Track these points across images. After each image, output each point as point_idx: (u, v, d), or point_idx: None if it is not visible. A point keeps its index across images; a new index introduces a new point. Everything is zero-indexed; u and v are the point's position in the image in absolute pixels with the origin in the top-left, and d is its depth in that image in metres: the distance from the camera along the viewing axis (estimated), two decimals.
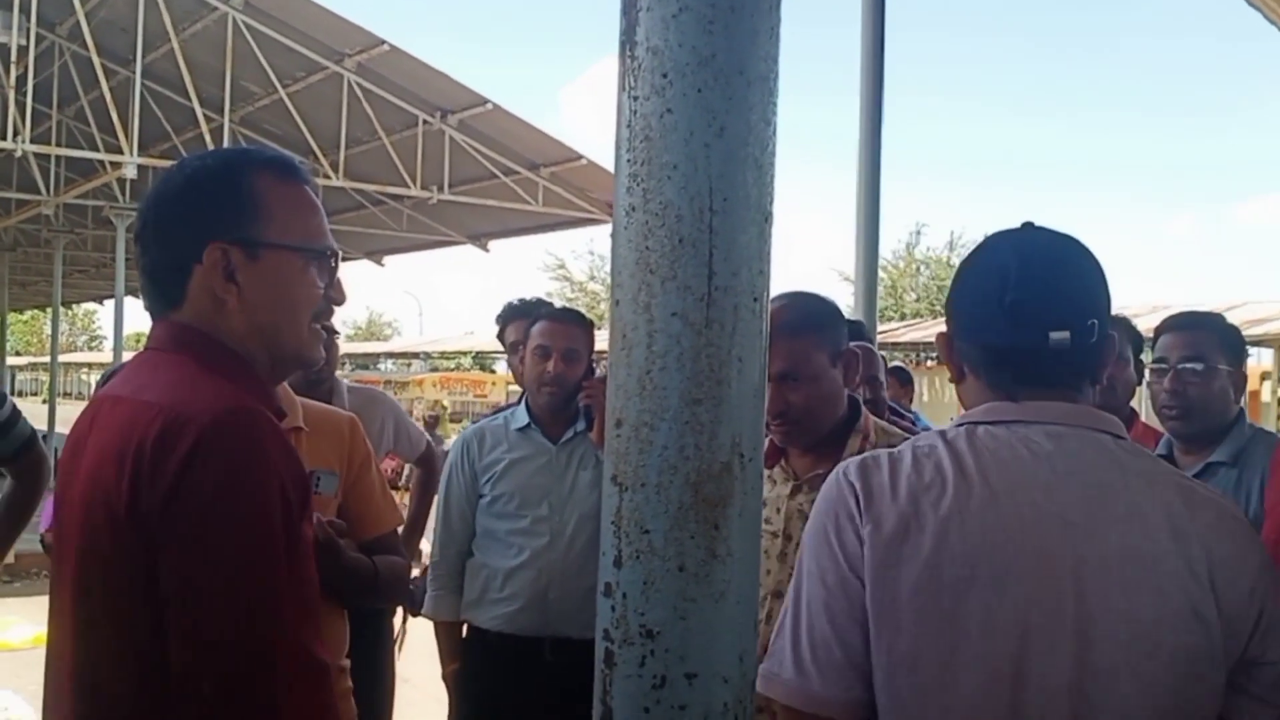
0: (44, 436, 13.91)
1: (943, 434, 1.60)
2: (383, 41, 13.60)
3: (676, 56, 1.22)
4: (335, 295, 1.65)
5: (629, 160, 1.26)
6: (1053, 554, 1.46)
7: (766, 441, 2.32)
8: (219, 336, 1.54)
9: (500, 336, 4.36)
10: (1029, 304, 1.54)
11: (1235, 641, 1.47)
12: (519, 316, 4.08)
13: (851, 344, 2.41)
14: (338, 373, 4.36)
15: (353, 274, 22.65)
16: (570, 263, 44.64)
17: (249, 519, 1.38)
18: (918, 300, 36.25)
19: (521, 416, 3.45)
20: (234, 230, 1.54)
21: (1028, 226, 1.66)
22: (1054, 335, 1.53)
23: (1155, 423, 3.41)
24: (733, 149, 1.22)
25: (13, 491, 3.27)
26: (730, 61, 1.22)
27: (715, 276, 1.22)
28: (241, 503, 1.38)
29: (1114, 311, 3.61)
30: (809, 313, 2.31)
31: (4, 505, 3.26)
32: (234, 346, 1.55)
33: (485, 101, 14.45)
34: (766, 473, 2.32)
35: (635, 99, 1.25)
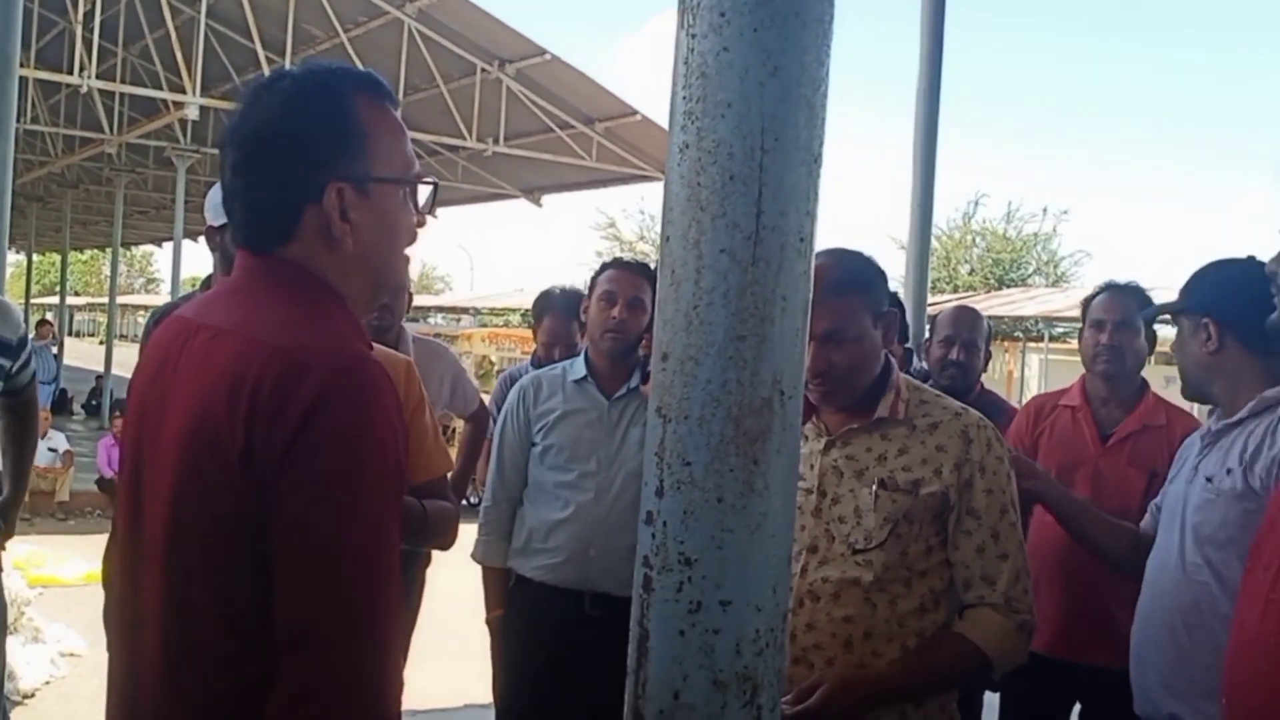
0: (99, 377, 14.18)
1: None
2: None
3: None
4: (423, 221, 1.59)
5: (684, 97, 1.28)
6: None
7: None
8: (320, 274, 1.49)
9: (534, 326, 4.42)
10: None
11: None
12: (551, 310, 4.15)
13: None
14: None
15: None
16: (620, 221, 44.58)
17: (374, 470, 1.36)
18: (971, 273, 35.73)
19: (579, 368, 3.47)
20: (347, 166, 1.47)
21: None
22: None
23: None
24: (786, 89, 1.24)
25: (16, 424, 3.45)
26: (786, 3, 1.23)
27: (763, 215, 1.25)
28: (367, 453, 1.35)
29: (1127, 280, 3.59)
30: (854, 271, 2.29)
31: (11, 438, 3.43)
32: (334, 284, 1.50)
33: (543, 52, 14.40)
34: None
35: (693, 36, 1.27)
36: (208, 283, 3.24)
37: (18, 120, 4.50)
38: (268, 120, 1.48)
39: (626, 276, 3.42)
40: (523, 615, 3.42)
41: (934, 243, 7.22)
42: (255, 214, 1.50)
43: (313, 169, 1.46)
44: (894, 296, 3.09)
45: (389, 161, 1.52)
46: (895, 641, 2.18)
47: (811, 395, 2.28)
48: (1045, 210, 34.02)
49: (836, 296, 2.19)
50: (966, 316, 4.14)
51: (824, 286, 2.12)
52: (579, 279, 5.27)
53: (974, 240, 36.37)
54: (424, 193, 1.57)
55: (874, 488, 2.19)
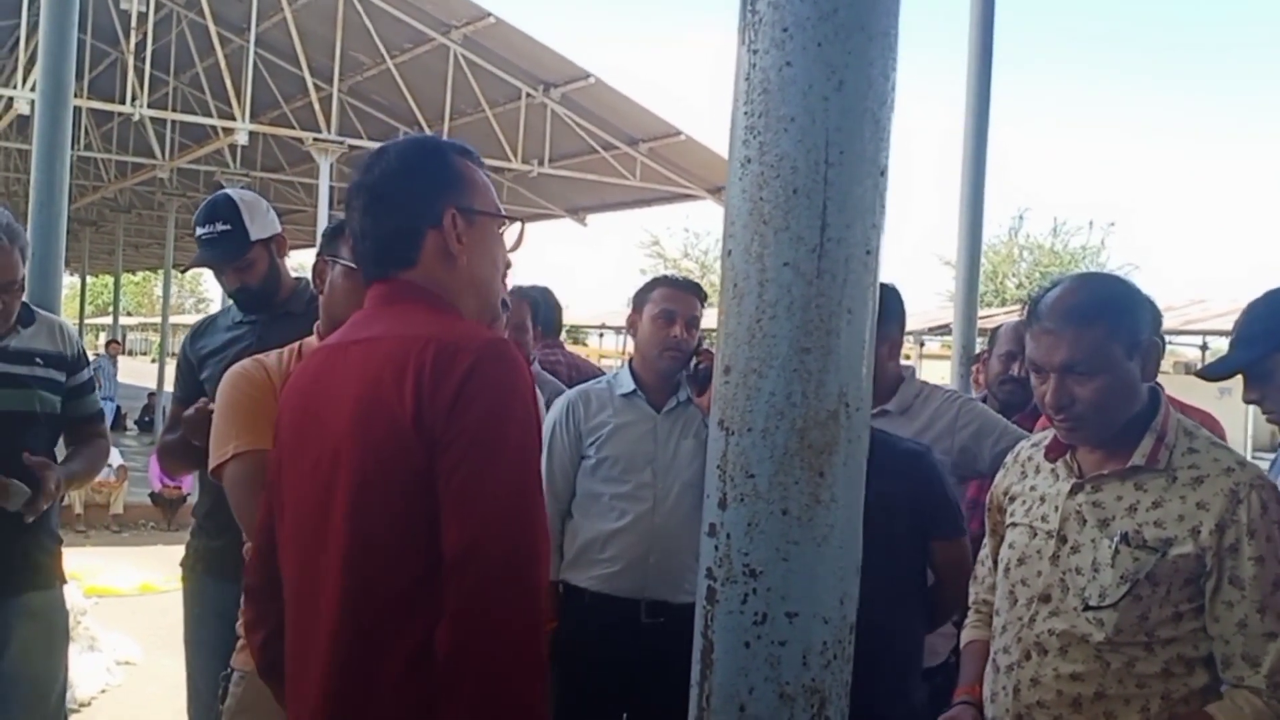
0: (151, 394, 14.43)
1: None
2: (489, 14, 13.73)
3: (798, 11, 1.24)
4: (510, 257, 1.96)
5: (746, 112, 1.29)
6: None
7: (1050, 434, 2.22)
8: (440, 292, 1.81)
9: None
10: None
11: None
12: None
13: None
14: None
15: None
16: (664, 239, 44.65)
17: (518, 420, 1.66)
18: (1019, 287, 35.52)
19: (626, 382, 3.48)
20: (457, 198, 1.83)
21: None
22: None
23: None
24: (851, 103, 1.24)
25: (79, 453, 3.37)
26: (851, 17, 1.24)
27: (828, 228, 1.25)
28: (512, 406, 1.66)
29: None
30: (1101, 297, 2.09)
31: (75, 457, 3.36)
32: (454, 302, 1.82)
33: (587, 75, 14.51)
34: (1049, 467, 2.20)
35: (754, 52, 1.28)
36: (239, 297, 3.29)
37: (72, 147, 4.61)
38: (389, 169, 1.84)
39: (684, 296, 3.44)
40: (577, 627, 3.43)
41: (981, 258, 7.16)
42: (384, 244, 1.83)
43: (432, 199, 1.82)
44: (889, 289, 3.05)
45: (485, 203, 1.88)
46: (1134, 704, 2.01)
47: (1058, 432, 2.15)
48: (1091, 224, 33.77)
49: (1077, 325, 2.03)
50: None
51: (1062, 313, 2.06)
52: (626, 296, 5.29)
53: (1021, 254, 36.12)
54: (513, 231, 1.94)
55: (1114, 541, 2.02)
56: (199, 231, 3.22)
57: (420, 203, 1.82)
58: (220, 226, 3.18)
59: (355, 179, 1.88)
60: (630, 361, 3.57)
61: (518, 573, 1.61)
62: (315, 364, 1.89)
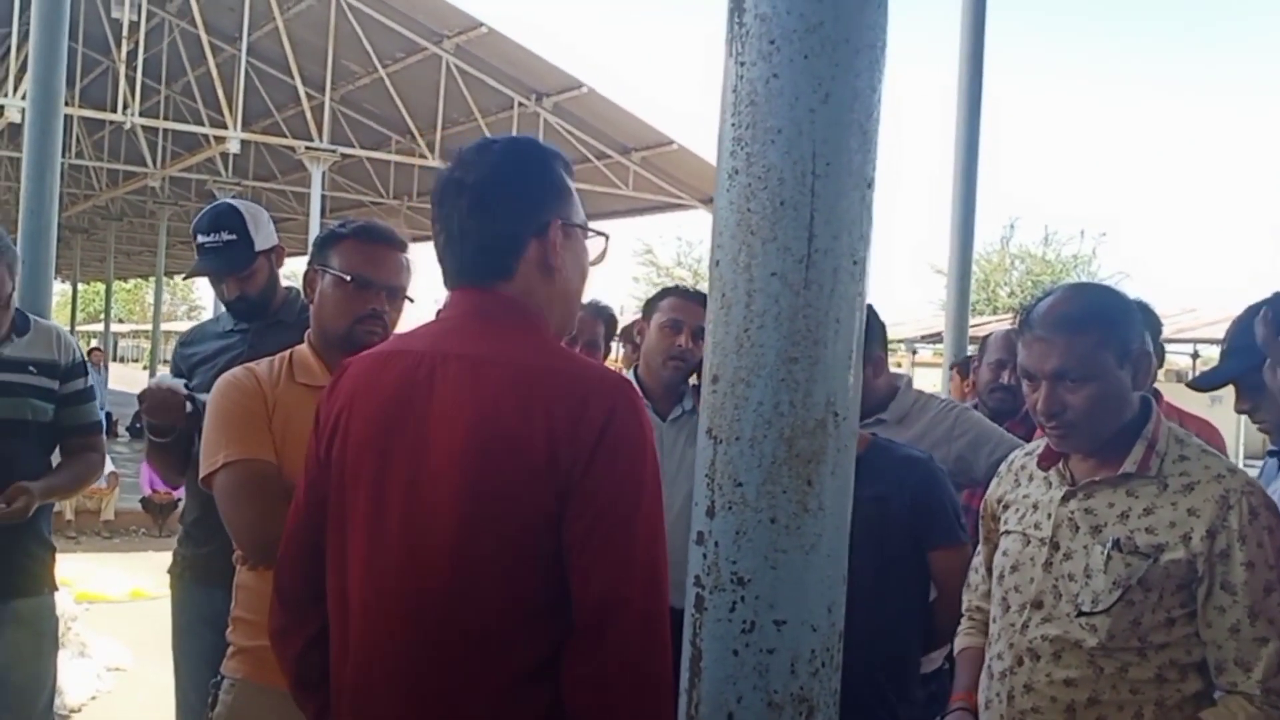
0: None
1: None
2: (481, 24, 13.77)
3: (784, 23, 1.25)
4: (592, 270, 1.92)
5: (733, 124, 1.30)
6: None
7: (1043, 443, 2.23)
8: (533, 305, 1.76)
9: None
10: None
11: None
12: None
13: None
14: None
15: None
16: (657, 248, 44.66)
17: (651, 470, 1.65)
18: (1010, 295, 35.64)
19: None
20: (560, 209, 1.78)
21: None
22: None
23: None
24: (838, 115, 1.25)
25: (66, 465, 3.33)
26: (838, 29, 1.25)
27: (815, 239, 1.26)
28: (647, 458, 1.65)
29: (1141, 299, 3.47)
30: (1092, 306, 2.12)
31: (61, 470, 3.33)
32: (544, 313, 1.77)
33: (580, 85, 14.56)
34: (1041, 475, 2.22)
35: (742, 64, 1.29)
36: (236, 306, 3.27)
37: (63, 155, 4.62)
38: (495, 171, 1.77)
39: (692, 307, 3.43)
40: None
41: (973, 266, 7.20)
42: (486, 250, 1.76)
43: (540, 207, 1.76)
44: (867, 307, 3.08)
45: (579, 215, 1.83)
46: (1128, 710, 2.02)
47: (1050, 439, 2.17)
48: (1082, 233, 33.90)
49: (1068, 333, 2.06)
50: None
51: (1054, 322, 2.08)
52: (617, 304, 5.29)
53: (1012, 263, 36.26)
54: (599, 244, 1.89)
55: (1106, 547, 2.04)
56: (201, 239, 3.20)
57: (528, 210, 1.75)
58: (225, 236, 3.17)
59: (452, 175, 1.79)
60: (635, 369, 3.57)
61: (659, 630, 1.61)
62: (398, 371, 1.77)
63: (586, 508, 1.60)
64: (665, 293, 3.56)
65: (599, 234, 1.88)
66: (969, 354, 6.62)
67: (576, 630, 1.60)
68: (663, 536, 1.67)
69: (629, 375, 3.57)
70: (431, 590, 1.67)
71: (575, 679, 1.58)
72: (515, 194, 1.76)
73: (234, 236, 3.16)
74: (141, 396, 2.88)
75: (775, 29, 1.26)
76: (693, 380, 3.46)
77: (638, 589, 1.60)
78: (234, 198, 3.87)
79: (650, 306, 3.54)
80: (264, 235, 3.22)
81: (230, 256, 3.17)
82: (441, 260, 1.81)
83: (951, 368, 6.33)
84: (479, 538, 1.64)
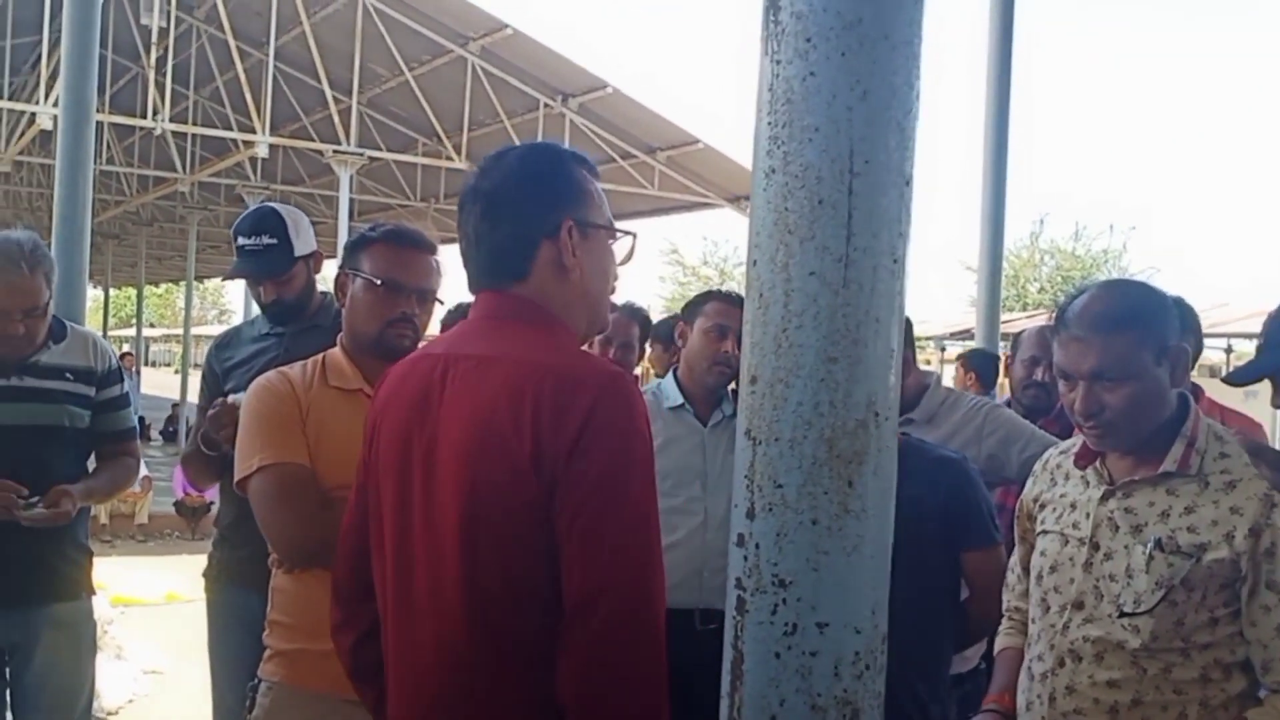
0: (174, 404, 14.46)
1: None
2: (506, 25, 13.77)
3: (821, 21, 1.24)
4: (619, 271, 1.91)
5: (770, 123, 1.29)
6: None
7: (1079, 442, 2.21)
8: (551, 306, 1.77)
9: None
10: None
11: None
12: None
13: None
14: None
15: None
16: (683, 247, 44.64)
17: (639, 462, 1.64)
18: (1040, 291, 35.38)
19: (673, 395, 3.42)
20: (574, 209, 1.78)
21: None
22: None
23: None
24: (875, 112, 1.24)
25: (102, 470, 3.35)
26: (875, 26, 1.24)
27: (854, 238, 1.25)
28: (634, 449, 1.64)
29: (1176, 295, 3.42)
30: (1128, 305, 2.09)
31: (99, 474, 3.34)
32: (562, 316, 1.78)
33: (605, 85, 14.53)
34: (1079, 474, 2.20)
35: (778, 63, 1.28)
36: (273, 310, 3.28)
37: (94, 162, 4.66)
38: (508, 175, 1.80)
39: (736, 312, 3.36)
40: None
41: (1003, 262, 7.14)
42: (498, 253, 1.79)
43: (550, 208, 1.77)
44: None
45: (600, 216, 1.83)
46: (1171, 711, 2.00)
47: (1088, 439, 2.15)
48: (1112, 227, 33.63)
49: (1104, 332, 2.04)
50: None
51: (1090, 321, 2.06)
52: (643, 303, 5.26)
53: (1042, 259, 36.02)
54: (625, 244, 1.88)
55: (1148, 547, 2.01)
56: (242, 242, 3.22)
57: (538, 212, 1.77)
58: (266, 240, 3.18)
59: (470, 184, 1.84)
60: (675, 373, 3.53)
61: (643, 620, 1.60)
62: (420, 373, 1.82)
63: (569, 498, 1.60)
64: (708, 296, 3.49)
65: (626, 233, 1.88)
66: (968, 349, 6.63)
67: (564, 621, 1.61)
68: (653, 526, 1.66)
69: (669, 377, 3.54)
70: (446, 580, 1.70)
71: (562, 670, 1.60)
72: (525, 197, 1.78)
73: (274, 240, 3.18)
74: (218, 415, 2.85)
75: (812, 26, 1.25)
76: (732, 386, 3.43)
77: (617, 578, 1.59)
78: (274, 201, 3.88)
79: (693, 310, 3.48)
80: (304, 240, 3.24)
81: (270, 260, 3.19)
82: (465, 265, 1.86)
83: (957, 359, 6.38)
84: (480, 533, 1.67)
